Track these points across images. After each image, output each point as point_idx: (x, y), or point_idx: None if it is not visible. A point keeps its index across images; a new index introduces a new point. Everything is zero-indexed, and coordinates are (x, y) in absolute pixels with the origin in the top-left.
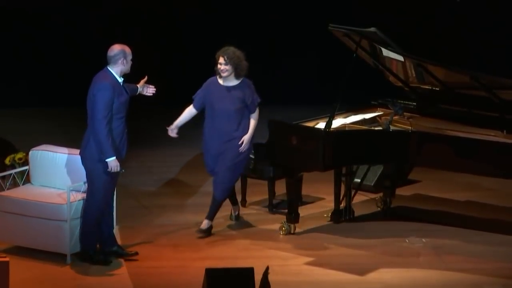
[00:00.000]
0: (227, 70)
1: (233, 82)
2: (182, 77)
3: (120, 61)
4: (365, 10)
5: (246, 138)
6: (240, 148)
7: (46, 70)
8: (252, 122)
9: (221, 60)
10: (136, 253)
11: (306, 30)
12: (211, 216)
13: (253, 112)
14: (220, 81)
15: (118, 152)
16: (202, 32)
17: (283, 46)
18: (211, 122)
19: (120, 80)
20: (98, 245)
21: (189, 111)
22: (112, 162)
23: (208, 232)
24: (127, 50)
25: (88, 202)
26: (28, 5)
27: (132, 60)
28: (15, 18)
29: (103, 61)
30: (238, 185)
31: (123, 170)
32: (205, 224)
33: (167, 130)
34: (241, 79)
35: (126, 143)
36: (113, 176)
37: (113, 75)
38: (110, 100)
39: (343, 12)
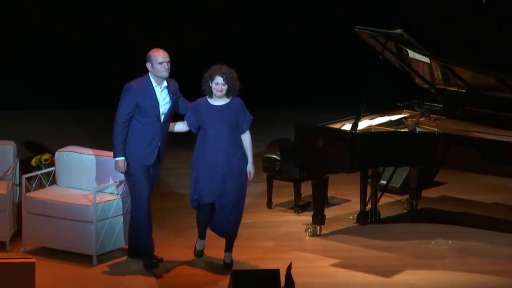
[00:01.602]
0: (224, 90)
1: (224, 101)
2: (186, 76)
3: (147, 65)
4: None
5: (250, 168)
6: (249, 178)
7: (71, 72)
8: (248, 147)
9: (220, 79)
10: (161, 260)
11: (323, 31)
12: (230, 248)
13: (244, 131)
14: (210, 101)
15: (144, 157)
16: (209, 33)
17: (293, 48)
18: (203, 148)
19: (156, 84)
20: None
21: (184, 126)
22: (118, 161)
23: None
24: (154, 54)
25: (132, 209)
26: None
27: (165, 63)
28: (40, 20)
29: (126, 63)
30: (264, 187)
31: (133, 176)
32: (228, 257)
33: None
34: (231, 98)
35: (158, 150)
36: (145, 177)
37: (149, 78)
38: (129, 102)
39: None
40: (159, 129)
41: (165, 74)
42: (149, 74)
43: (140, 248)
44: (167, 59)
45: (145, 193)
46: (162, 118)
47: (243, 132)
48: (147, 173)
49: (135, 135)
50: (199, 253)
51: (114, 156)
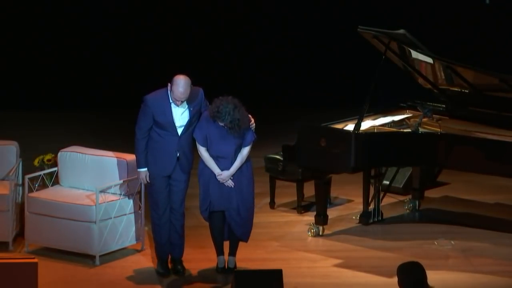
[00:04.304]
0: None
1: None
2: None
3: (169, 85)
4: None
5: (224, 174)
6: (220, 180)
7: (73, 72)
8: (239, 158)
9: (221, 124)
10: (178, 272)
11: (326, 31)
12: (235, 252)
13: (245, 146)
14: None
15: (162, 167)
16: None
17: (296, 47)
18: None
19: (173, 101)
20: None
21: (207, 151)
22: (140, 173)
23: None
24: (175, 79)
25: (149, 212)
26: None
27: (179, 102)
28: (42, 21)
29: (129, 64)
30: (266, 187)
31: (151, 184)
32: (232, 261)
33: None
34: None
35: (174, 160)
36: (164, 187)
37: (167, 94)
38: (145, 115)
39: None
40: (176, 141)
41: (178, 103)
42: (169, 89)
43: (156, 254)
44: (184, 98)
45: (161, 202)
46: (179, 131)
47: (244, 145)
48: (166, 183)
49: (154, 146)
50: (221, 270)
51: (137, 168)
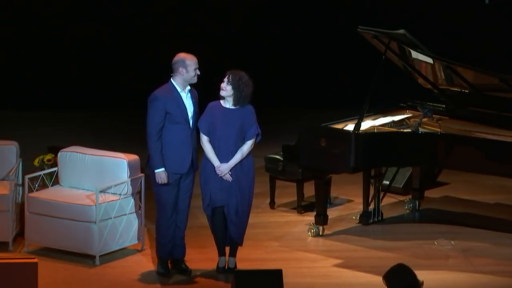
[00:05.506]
0: (225, 91)
1: (235, 106)
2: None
3: (179, 70)
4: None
5: (223, 167)
6: (220, 175)
7: (73, 73)
8: (241, 151)
9: (225, 78)
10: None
11: (326, 31)
12: (235, 253)
13: (248, 139)
14: (223, 103)
15: (178, 165)
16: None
17: (296, 47)
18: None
19: (181, 90)
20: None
21: (209, 142)
22: (160, 173)
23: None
24: (189, 59)
25: (156, 212)
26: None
27: (197, 69)
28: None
29: (129, 64)
30: (266, 187)
31: (163, 185)
32: (232, 262)
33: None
34: (239, 106)
35: (190, 156)
36: (175, 187)
37: (173, 85)
38: (158, 111)
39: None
40: (189, 135)
41: (196, 80)
42: (172, 80)
43: (156, 254)
44: (197, 64)
45: (172, 203)
46: (191, 122)
47: (247, 139)
48: (178, 183)
49: (168, 145)
50: (222, 270)
51: (154, 169)
